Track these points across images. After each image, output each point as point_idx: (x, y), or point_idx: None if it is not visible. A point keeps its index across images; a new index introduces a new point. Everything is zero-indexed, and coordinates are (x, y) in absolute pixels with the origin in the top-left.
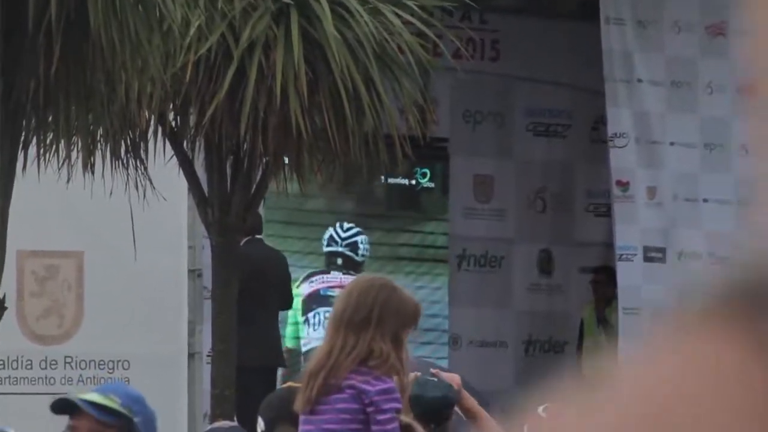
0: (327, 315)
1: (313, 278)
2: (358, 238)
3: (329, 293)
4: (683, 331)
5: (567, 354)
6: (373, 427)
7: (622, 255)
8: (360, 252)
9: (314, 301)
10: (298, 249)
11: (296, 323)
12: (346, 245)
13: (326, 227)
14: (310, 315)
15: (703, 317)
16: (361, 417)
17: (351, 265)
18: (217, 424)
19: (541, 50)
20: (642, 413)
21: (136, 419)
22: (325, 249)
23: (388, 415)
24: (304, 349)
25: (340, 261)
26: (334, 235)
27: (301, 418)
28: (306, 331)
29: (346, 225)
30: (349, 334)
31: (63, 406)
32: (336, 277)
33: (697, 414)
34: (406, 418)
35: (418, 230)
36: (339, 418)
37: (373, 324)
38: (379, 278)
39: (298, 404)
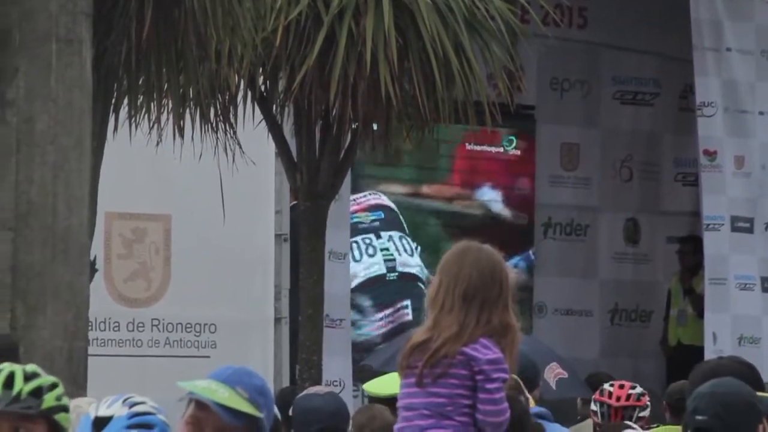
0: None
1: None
2: None
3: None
4: None
5: (653, 324)
6: (481, 395)
7: (709, 225)
8: None
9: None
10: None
11: None
12: None
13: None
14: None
15: None
16: (468, 383)
17: None
18: (312, 390)
19: (629, 18)
20: None
21: (261, 415)
22: None
23: (496, 384)
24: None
25: None
26: None
27: (406, 381)
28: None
29: None
30: (483, 310)
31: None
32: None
33: None
34: (510, 391)
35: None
36: (447, 382)
37: (503, 299)
38: (494, 250)
39: (403, 365)
